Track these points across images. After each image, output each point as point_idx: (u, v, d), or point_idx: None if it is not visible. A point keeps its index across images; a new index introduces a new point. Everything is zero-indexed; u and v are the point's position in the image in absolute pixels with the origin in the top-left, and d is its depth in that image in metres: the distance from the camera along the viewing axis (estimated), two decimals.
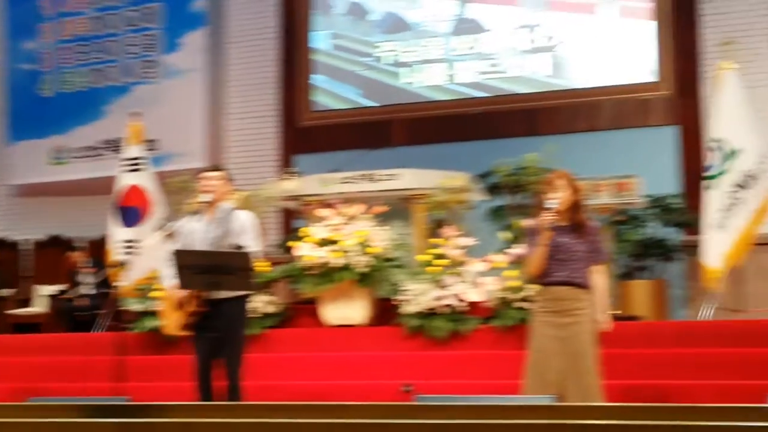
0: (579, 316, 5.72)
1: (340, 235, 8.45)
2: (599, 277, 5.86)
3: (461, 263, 8.30)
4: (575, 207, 5.81)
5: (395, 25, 11.90)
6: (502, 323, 7.93)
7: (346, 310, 8.51)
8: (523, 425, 2.84)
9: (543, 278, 5.83)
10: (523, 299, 7.86)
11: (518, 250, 8.13)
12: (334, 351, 8.23)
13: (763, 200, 8.28)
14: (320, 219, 8.70)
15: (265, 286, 8.71)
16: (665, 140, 10.54)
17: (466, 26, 11.58)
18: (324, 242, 8.47)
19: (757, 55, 10.07)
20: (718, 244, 8.25)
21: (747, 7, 10.36)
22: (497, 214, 9.69)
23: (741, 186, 8.24)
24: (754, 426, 2.27)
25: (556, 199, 5.72)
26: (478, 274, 8.26)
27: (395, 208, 8.93)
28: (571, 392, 5.57)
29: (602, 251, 5.93)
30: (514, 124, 11.09)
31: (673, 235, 10.03)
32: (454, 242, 8.36)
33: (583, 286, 5.76)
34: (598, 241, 5.91)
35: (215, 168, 6.94)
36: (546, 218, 5.67)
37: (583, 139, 10.63)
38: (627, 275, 9.68)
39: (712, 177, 8.34)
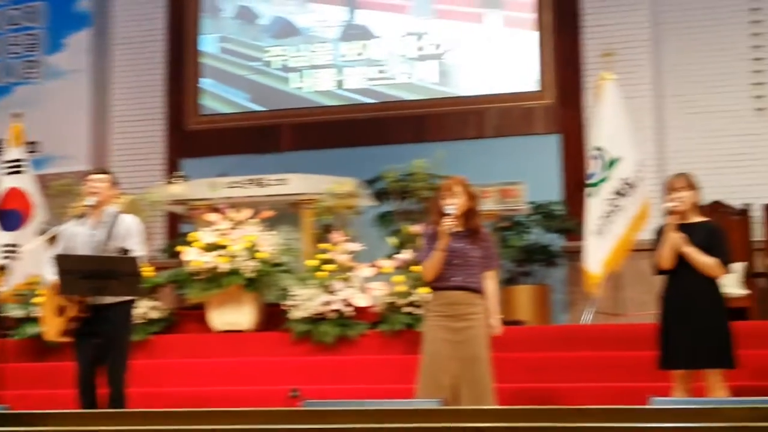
0: (473, 321, 5.79)
1: (228, 240, 8.40)
2: (491, 283, 5.96)
3: (349, 268, 8.33)
4: (471, 213, 5.90)
5: (284, 30, 11.87)
6: (389, 328, 7.98)
7: (234, 316, 8.46)
8: (412, 429, 2.87)
9: (438, 283, 5.88)
10: (411, 304, 7.94)
11: (405, 255, 8.21)
12: (221, 357, 8.17)
13: (641, 207, 8.54)
14: (208, 224, 8.63)
15: (151, 291, 8.59)
16: (548, 148, 10.75)
17: (354, 32, 11.62)
18: (211, 247, 8.40)
19: (637, 66, 10.37)
20: (598, 250, 8.48)
21: (627, 19, 10.64)
22: (385, 219, 9.76)
23: (620, 194, 8.49)
24: (639, 427, 2.35)
25: (454, 204, 5.79)
26: (365, 280, 8.31)
27: (283, 213, 8.93)
28: (465, 396, 5.63)
29: (495, 257, 6.04)
30: (402, 131, 11.18)
31: (556, 241, 10.25)
32: (342, 247, 8.39)
33: (477, 291, 5.84)
34: (492, 248, 6.01)
35: (101, 171, 6.83)
36: (447, 223, 5.72)
37: (470, 146, 10.77)
38: (511, 280, 9.85)
39: (593, 185, 8.57)
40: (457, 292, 5.82)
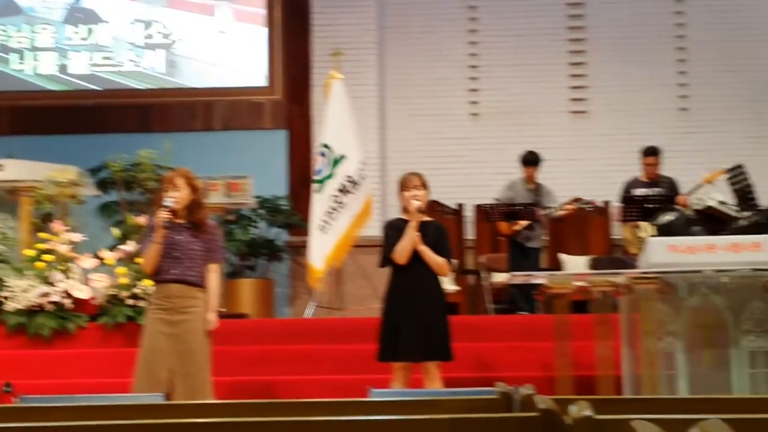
0: (191, 314, 5.80)
1: None
2: (213, 276, 5.97)
3: (70, 259, 8.10)
4: (194, 206, 5.89)
5: (4, 8, 11.31)
6: (110, 320, 7.83)
7: None
8: (131, 426, 2.82)
9: (158, 276, 5.88)
10: (134, 296, 7.83)
11: (129, 246, 8.08)
12: None
13: (363, 205, 8.83)
14: None
15: None
16: (276, 143, 10.87)
17: (80, 16, 11.23)
18: None
19: (364, 67, 10.68)
20: (321, 246, 8.70)
21: (355, 20, 10.93)
22: (109, 209, 9.56)
23: (344, 191, 8.74)
24: (359, 420, 2.46)
25: (174, 197, 5.78)
26: (87, 271, 8.11)
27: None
28: (180, 391, 5.63)
29: (218, 251, 6.05)
30: (128, 120, 10.95)
31: (281, 236, 10.40)
32: (62, 237, 8.14)
33: (196, 284, 5.85)
34: (216, 241, 6.02)
35: None
36: (160, 216, 5.72)
37: (198, 139, 10.72)
38: (235, 274, 9.91)
39: (320, 181, 8.78)
40: (174, 285, 5.83)
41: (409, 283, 5.98)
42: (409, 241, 5.92)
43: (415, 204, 5.96)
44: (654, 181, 9.22)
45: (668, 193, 8.84)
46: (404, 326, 5.91)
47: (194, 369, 5.73)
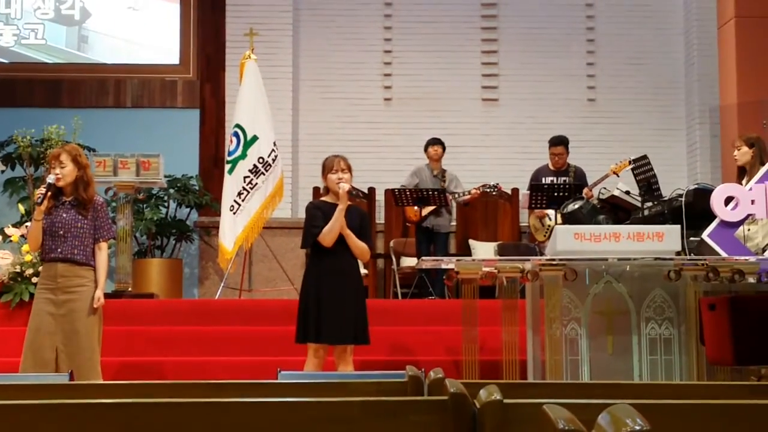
0: (77, 294, 5.72)
1: None
2: (101, 254, 5.88)
3: None
4: (80, 183, 5.81)
5: None
6: (13, 299, 7.69)
7: None
8: (32, 405, 2.72)
9: (44, 255, 5.82)
10: (38, 274, 7.68)
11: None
12: None
13: (275, 186, 8.82)
14: None
15: None
16: (188, 122, 10.78)
17: None
18: None
19: (278, 48, 10.65)
20: (232, 226, 8.67)
21: (270, 1, 10.87)
22: (14, 185, 9.37)
23: (256, 172, 8.72)
24: (268, 401, 2.48)
25: (57, 174, 5.72)
26: None
27: None
28: (63, 370, 5.51)
29: (107, 228, 5.92)
30: (37, 94, 10.74)
31: (191, 216, 10.32)
32: None
33: (82, 263, 5.78)
34: (104, 218, 5.91)
35: None
36: (38, 193, 5.68)
37: (108, 115, 10.57)
38: (143, 253, 9.80)
39: (231, 162, 8.74)
40: (60, 264, 5.75)
41: (332, 267, 5.90)
42: (338, 224, 5.86)
43: (345, 187, 5.89)
44: (562, 170, 9.37)
45: (575, 182, 8.99)
46: (328, 309, 5.83)
47: (78, 349, 5.63)
